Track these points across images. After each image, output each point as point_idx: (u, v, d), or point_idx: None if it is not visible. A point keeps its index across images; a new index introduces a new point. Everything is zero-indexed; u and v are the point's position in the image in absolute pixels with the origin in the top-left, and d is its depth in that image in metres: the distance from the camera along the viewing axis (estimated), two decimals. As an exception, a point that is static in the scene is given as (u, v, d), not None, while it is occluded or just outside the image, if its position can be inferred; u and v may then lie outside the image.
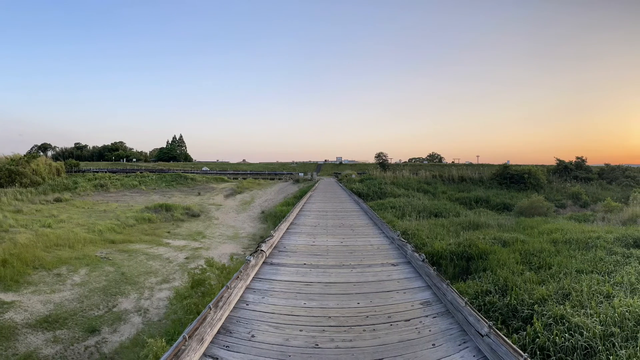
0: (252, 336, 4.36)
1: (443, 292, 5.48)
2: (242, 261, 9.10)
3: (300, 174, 68.04)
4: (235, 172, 74.03)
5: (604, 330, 5.14)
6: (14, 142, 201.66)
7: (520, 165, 48.52)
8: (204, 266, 10.57)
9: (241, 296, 5.60)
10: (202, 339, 3.91)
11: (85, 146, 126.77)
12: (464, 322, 4.57)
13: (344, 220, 14.46)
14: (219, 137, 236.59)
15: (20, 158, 48.35)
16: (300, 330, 4.55)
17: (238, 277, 5.79)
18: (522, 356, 3.37)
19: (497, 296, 7.08)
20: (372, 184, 36.93)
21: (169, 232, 21.70)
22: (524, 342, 5.33)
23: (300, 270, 7.22)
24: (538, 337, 5.27)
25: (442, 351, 4.07)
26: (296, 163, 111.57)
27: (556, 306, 6.05)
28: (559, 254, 9.91)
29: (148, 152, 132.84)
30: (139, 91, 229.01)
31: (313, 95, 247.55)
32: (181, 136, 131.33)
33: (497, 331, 3.93)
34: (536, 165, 51.05)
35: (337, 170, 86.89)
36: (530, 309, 6.23)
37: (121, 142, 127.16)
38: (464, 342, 4.27)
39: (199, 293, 8.79)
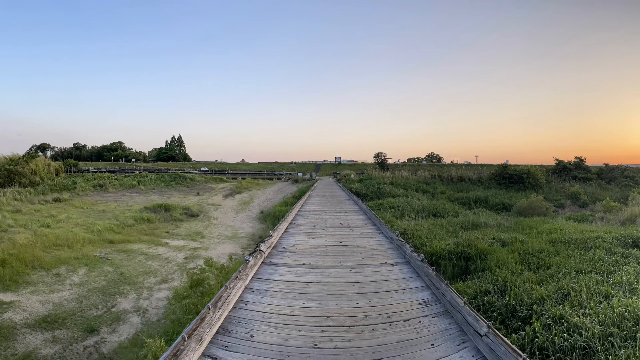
0: (251, 336, 4.36)
1: (442, 292, 5.48)
2: (241, 261, 9.11)
3: (299, 174, 67.96)
4: (234, 172, 73.93)
5: (603, 330, 5.14)
6: (12, 142, 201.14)
7: (519, 165, 48.53)
8: (203, 266, 10.59)
9: (240, 296, 5.60)
10: (201, 339, 3.90)
11: (84, 146, 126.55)
12: (462, 322, 4.57)
13: (342, 220, 14.47)
14: (219, 137, 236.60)
15: (19, 158, 48.26)
16: (299, 330, 4.54)
17: (237, 277, 5.79)
18: (521, 356, 3.37)
19: (496, 296, 7.08)
20: (371, 184, 36.94)
21: (167, 232, 21.69)
22: (523, 342, 5.32)
23: (299, 270, 7.22)
24: (537, 337, 5.27)
25: (441, 351, 4.08)
26: (295, 163, 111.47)
27: (555, 306, 6.06)
28: (558, 254, 9.91)
29: (147, 152, 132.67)
30: (138, 91, 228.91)
31: (313, 95, 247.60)
32: (180, 136, 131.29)
33: (496, 331, 3.93)
34: (535, 165, 51.14)
35: (336, 170, 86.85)
36: (529, 309, 6.23)
37: (120, 142, 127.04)
38: (463, 342, 4.27)
39: (198, 293, 8.80)
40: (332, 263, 7.86)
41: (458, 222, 16.54)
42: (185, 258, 15.89)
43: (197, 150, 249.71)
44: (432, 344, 4.22)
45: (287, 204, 27.90)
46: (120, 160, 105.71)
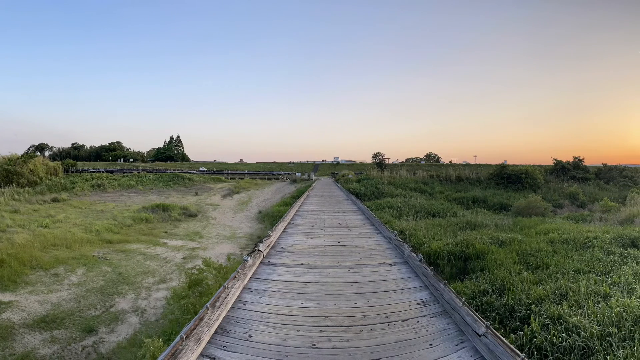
0: (250, 336, 4.35)
1: (440, 292, 5.48)
2: (240, 261, 9.10)
3: (297, 174, 67.90)
4: (233, 172, 73.84)
5: (601, 330, 5.15)
6: (10, 141, 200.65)
7: (517, 165, 48.55)
8: (202, 266, 10.56)
9: (238, 296, 5.60)
10: (200, 339, 3.90)
11: (83, 146, 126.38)
12: (461, 322, 4.57)
13: (341, 220, 14.47)
14: (218, 137, 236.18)
15: (18, 158, 48.15)
16: (298, 330, 4.54)
17: (235, 277, 5.79)
18: (519, 356, 3.38)
19: (495, 296, 7.09)
20: (370, 184, 36.95)
21: (166, 232, 21.67)
22: (522, 342, 5.33)
23: (297, 270, 7.22)
24: (535, 337, 5.28)
25: (440, 351, 4.08)
26: (293, 163, 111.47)
27: (553, 306, 6.07)
28: (556, 254, 9.94)
29: (145, 152, 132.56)
30: (137, 91, 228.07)
31: (313, 95, 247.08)
32: (178, 136, 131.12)
33: (495, 331, 3.94)
34: (533, 165, 51.17)
35: (334, 170, 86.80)
36: (527, 309, 6.24)
37: (118, 142, 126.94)
38: (461, 342, 4.27)
39: (196, 293, 8.78)
40: (330, 263, 7.86)
41: (456, 222, 16.56)
42: (183, 258, 15.87)
43: (196, 150, 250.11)
44: (431, 344, 4.23)
45: (285, 204, 27.88)
46: (119, 160, 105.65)
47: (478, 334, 4.05)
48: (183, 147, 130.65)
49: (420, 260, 7.08)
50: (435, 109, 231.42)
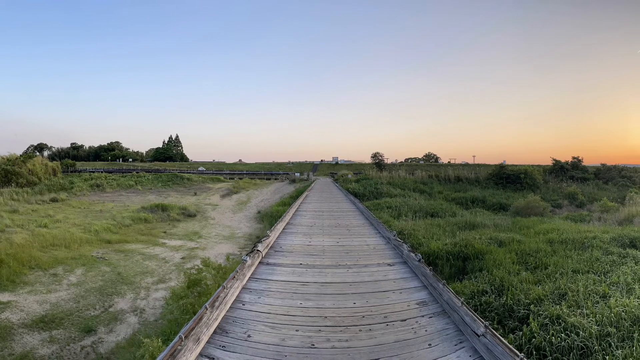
0: (249, 336, 4.35)
1: (439, 292, 5.48)
2: (239, 261, 9.10)
3: (296, 174, 67.91)
4: (232, 172, 73.82)
5: (600, 330, 5.15)
6: (10, 141, 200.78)
7: (516, 165, 48.55)
8: (200, 266, 10.57)
9: (237, 296, 5.59)
10: (199, 339, 3.90)
11: (82, 146, 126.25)
12: (460, 322, 4.57)
13: (340, 220, 14.47)
14: (217, 137, 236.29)
15: (17, 158, 48.08)
16: (297, 330, 4.54)
17: (234, 277, 5.78)
18: (518, 356, 3.38)
19: (493, 296, 7.09)
20: (368, 184, 36.91)
21: (165, 232, 21.66)
22: (520, 342, 5.33)
23: (296, 270, 7.21)
24: (534, 337, 5.28)
25: (439, 351, 4.08)
26: (292, 163, 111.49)
27: (552, 306, 6.07)
28: (555, 254, 9.94)
29: (144, 152, 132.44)
30: (137, 91, 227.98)
31: (313, 95, 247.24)
32: (177, 136, 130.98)
33: (493, 331, 3.93)
34: (532, 165, 51.15)
35: (333, 170, 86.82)
36: (526, 309, 6.24)
37: (117, 142, 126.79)
38: (460, 342, 4.27)
39: (195, 293, 8.78)
40: (329, 263, 7.86)
41: (455, 222, 16.55)
42: (182, 258, 15.87)
43: (195, 150, 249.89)
44: (430, 344, 4.23)
45: (284, 204, 27.89)
46: (118, 160, 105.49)
47: (477, 334, 4.05)
48: (182, 147, 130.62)
49: (419, 260, 7.08)
50: (434, 109, 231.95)
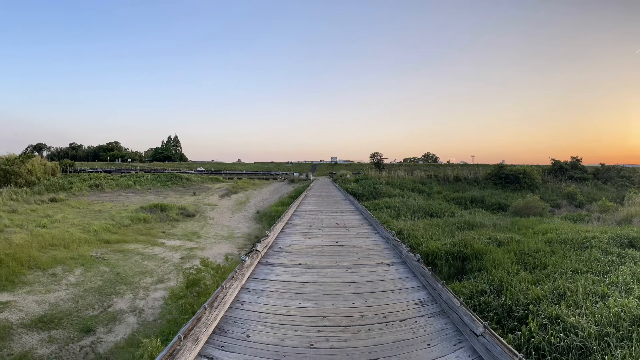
0: (247, 336, 4.35)
1: (438, 292, 5.48)
2: (237, 261, 9.10)
3: (295, 174, 67.93)
4: (231, 172, 73.83)
5: (599, 330, 5.16)
6: (9, 141, 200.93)
7: (515, 165, 48.60)
8: (199, 266, 10.57)
9: (236, 296, 5.59)
10: (197, 339, 3.89)
11: (81, 146, 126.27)
12: (459, 322, 4.57)
13: (339, 220, 14.46)
14: (216, 137, 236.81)
15: (16, 158, 48.06)
16: (295, 330, 4.54)
17: (233, 277, 5.78)
18: (517, 356, 3.38)
19: (492, 296, 7.10)
20: (367, 184, 36.90)
21: (164, 232, 21.64)
22: (519, 342, 5.34)
23: (295, 270, 7.21)
24: (533, 337, 5.28)
25: (437, 351, 4.08)
26: (291, 163, 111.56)
27: (551, 306, 6.07)
28: (554, 254, 9.95)
29: (143, 152, 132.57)
30: (136, 91, 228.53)
31: (313, 95, 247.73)
32: (176, 136, 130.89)
33: (492, 331, 3.93)
34: (531, 165, 51.25)
35: (332, 170, 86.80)
36: (525, 309, 6.25)
37: (116, 142, 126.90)
38: (459, 342, 4.27)
39: (194, 293, 8.78)
40: (328, 263, 7.85)
41: (454, 222, 16.57)
42: (181, 258, 15.86)
43: (194, 150, 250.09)
44: (429, 344, 4.22)
45: (283, 204, 27.88)
46: (117, 160, 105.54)
47: (476, 334, 4.05)
48: (181, 147, 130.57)
49: (418, 260, 7.08)
50: (434, 109, 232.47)
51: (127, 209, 29.10)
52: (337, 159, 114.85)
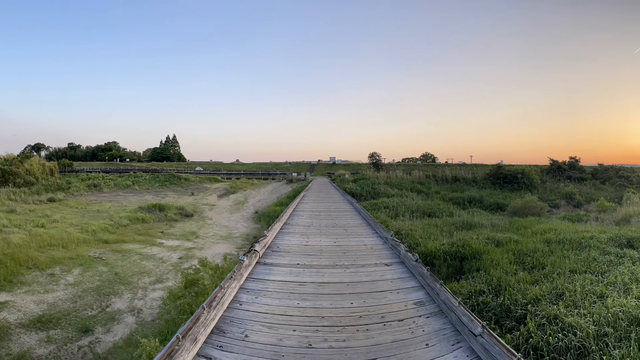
0: (246, 336, 4.34)
1: (436, 292, 5.48)
2: (236, 261, 9.09)
3: (293, 174, 67.98)
4: (229, 172, 73.77)
5: (598, 330, 5.16)
6: (7, 142, 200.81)
7: (513, 165, 48.68)
8: (198, 266, 10.54)
9: (235, 296, 5.58)
10: (196, 339, 3.89)
11: (79, 146, 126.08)
12: (457, 322, 4.57)
13: (337, 220, 14.45)
14: (215, 137, 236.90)
15: (14, 158, 47.93)
16: (294, 330, 4.53)
17: (231, 277, 5.77)
18: (515, 356, 3.38)
19: (491, 296, 7.10)
20: (366, 184, 36.92)
21: (162, 232, 21.62)
22: (518, 342, 5.34)
23: (293, 270, 7.20)
24: (531, 337, 5.29)
25: (436, 351, 4.08)
26: (289, 163, 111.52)
27: (550, 306, 6.08)
28: (553, 254, 9.96)
29: (141, 152, 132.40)
30: (133, 91, 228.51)
31: (307, 96, 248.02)
32: (174, 136, 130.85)
33: (491, 331, 3.93)
34: (530, 165, 51.30)
35: (330, 170, 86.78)
36: (523, 309, 6.26)
37: (115, 142, 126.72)
38: (458, 342, 4.27)
39: (193, 293, 8.76)
40: (326, 263, 7.85)
41: (452, 222, 16.59)
42: (179, 258, 15.84)
43: (192, 150, 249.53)
44: (427, 344, 4.22)
45: (281, 204, 27.89)
46: (115, 160, 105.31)
47: (474, 334, 4.05)
48: (179, 147, 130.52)
49: (417, 260, 7.08)
50: (432, 109, 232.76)
51: (125, 209, 29.06)
52: (336, 159, 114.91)
